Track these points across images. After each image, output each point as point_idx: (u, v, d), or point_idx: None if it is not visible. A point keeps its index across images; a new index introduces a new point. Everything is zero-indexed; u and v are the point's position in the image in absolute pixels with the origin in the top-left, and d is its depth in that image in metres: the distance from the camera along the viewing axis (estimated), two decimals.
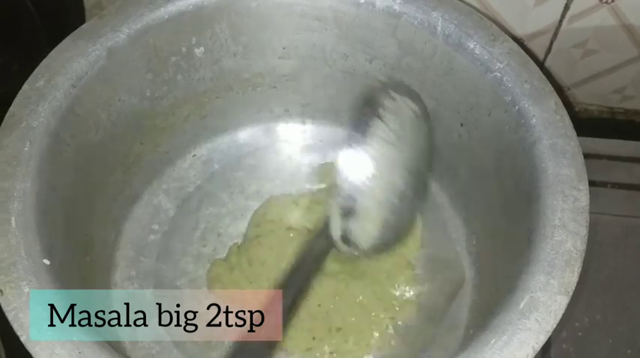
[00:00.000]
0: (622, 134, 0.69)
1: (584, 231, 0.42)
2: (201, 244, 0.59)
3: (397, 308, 0.55)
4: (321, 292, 0.55)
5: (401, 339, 0.54)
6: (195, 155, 0.63)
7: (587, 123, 0.74)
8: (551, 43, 0.66)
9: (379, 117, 0.49)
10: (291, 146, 0.64)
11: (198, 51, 0.55)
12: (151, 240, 0.59)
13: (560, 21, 0.63)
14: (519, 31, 0.64)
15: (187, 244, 0.59)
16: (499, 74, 0.49)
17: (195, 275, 0.57)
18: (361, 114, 0.49)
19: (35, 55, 0.64)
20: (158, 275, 0.57)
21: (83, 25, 0.50)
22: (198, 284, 0.57)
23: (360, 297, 0.55)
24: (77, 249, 0.49)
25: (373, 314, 0.55)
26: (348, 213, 0.49)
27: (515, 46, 0.50)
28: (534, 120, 0.47)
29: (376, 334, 0.54)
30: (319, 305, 0.55)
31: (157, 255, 0.58)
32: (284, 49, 0.58)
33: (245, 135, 0.64)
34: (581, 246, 0.41)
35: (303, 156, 0.64)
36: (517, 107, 0.48)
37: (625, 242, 0.61)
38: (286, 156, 0.64)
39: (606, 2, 0.61)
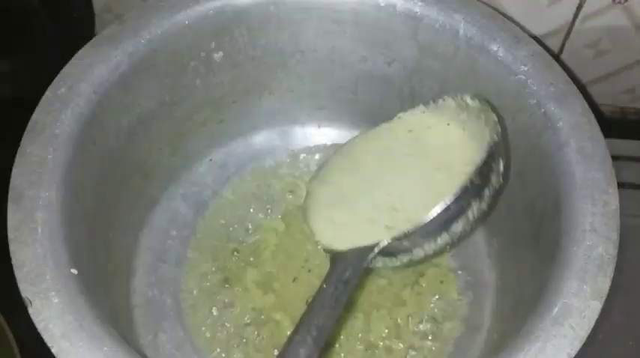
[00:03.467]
0: (634, 134, 0.70)
1: (615, 236, 0.42)
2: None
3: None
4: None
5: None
6: (211, 159, 0.62)
7: (599, 124, 0.74)
8: (564, 42, 0.66)
9: None
10: (306, 150, 0.64)
11: (217, 55, 0.55)
12: (169, 245, 0.58)
13: (573, 21, 0.63)
14: (532, 31, 0.64)
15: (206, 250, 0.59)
16: (523, 77, 0.49)
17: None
18: None
19: (45, 60, 0.64)
20: (177, 280, 0.57)
21: (104, 31, 0.50)
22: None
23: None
24: (99, 257, 0.49)
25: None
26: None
27: (540, 48, 0.50)
28: (561, 123, 0.46)
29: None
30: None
31: (175, 260, 0.58)
32: (302, 52, 0.58)
33: (261, 139, 0.64)
34: (612, 250, 0.41)
35: (318, 161, 0.64)
36: (543, 110, 0.47)
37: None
38: (302, 160, 0.64)
39: (619, 2, 0.61)
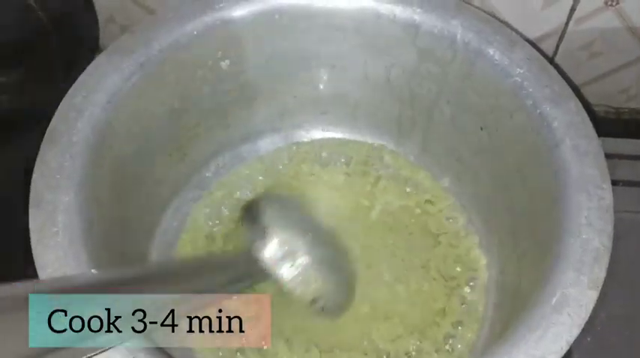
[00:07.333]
0: (628, 133, 0.71)
1: (609, 228, 0.43)
2: None
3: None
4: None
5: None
6: (218, 164, 0.64)
7: (594, 124, 0.75)
8: (558, 45, 0.67)
9: None
10: (309, 154, 0.66)
11: (224, 63, 0.56)
12: (180, 248, 0.60)
13: (567, 23, 0.64)
14: (527, 35, 0.65)
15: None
16: (519, 79, 0.50)
17: None
18: None
19: (50, 71, 0.65)
20: None
21: (116, 42, 0.51)
22: None
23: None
24: (115, 258, 0.50)
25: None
26: None
27: (535, 52, 0.51)
28: (556, 123, 0.48)
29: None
30: None
31: None
32: (305, 59, 0.59)
33: (266, 143, 0.65)
34: (607, 242, 0.43)
35: (321, 164, 0.65)
36: (539, 110, 0.49)
37: (634, 237, 0.63)
38: (305, 164, 0.65)
39: (611, 4, 0.62)
